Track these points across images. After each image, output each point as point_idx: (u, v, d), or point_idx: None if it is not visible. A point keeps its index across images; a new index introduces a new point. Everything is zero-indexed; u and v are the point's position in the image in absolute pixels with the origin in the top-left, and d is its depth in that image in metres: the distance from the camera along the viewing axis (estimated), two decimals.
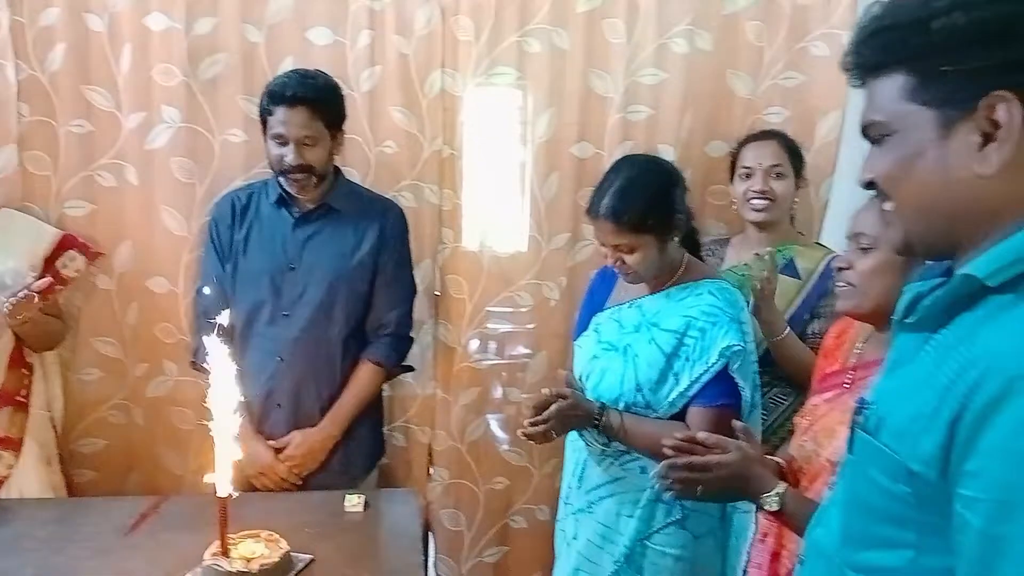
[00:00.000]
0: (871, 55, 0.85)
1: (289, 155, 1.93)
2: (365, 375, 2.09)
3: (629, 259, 1.68)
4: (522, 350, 2.48)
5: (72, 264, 2.20)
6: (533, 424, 1.67)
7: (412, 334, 2.22)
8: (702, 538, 1.69)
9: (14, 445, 2.04)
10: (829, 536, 0.93)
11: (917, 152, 0.82)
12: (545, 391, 1.69)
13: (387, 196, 2.23)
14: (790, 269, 2.02)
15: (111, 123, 2.25)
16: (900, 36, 0.81)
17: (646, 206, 1.65)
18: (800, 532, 1.20)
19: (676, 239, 1.72)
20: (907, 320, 0.88)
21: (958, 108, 0.78)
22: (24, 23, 2.19)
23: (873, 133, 0.87)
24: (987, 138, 0.77)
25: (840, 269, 1.44)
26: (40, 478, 2.09)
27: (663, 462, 1.38)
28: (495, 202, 2.40)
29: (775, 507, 1.31)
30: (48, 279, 1.96)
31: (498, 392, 2.50)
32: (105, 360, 2.36)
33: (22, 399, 2.08)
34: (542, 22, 2.28)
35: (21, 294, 1.83)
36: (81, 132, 2.25)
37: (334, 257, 2.02)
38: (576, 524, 1.81)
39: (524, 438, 1.72)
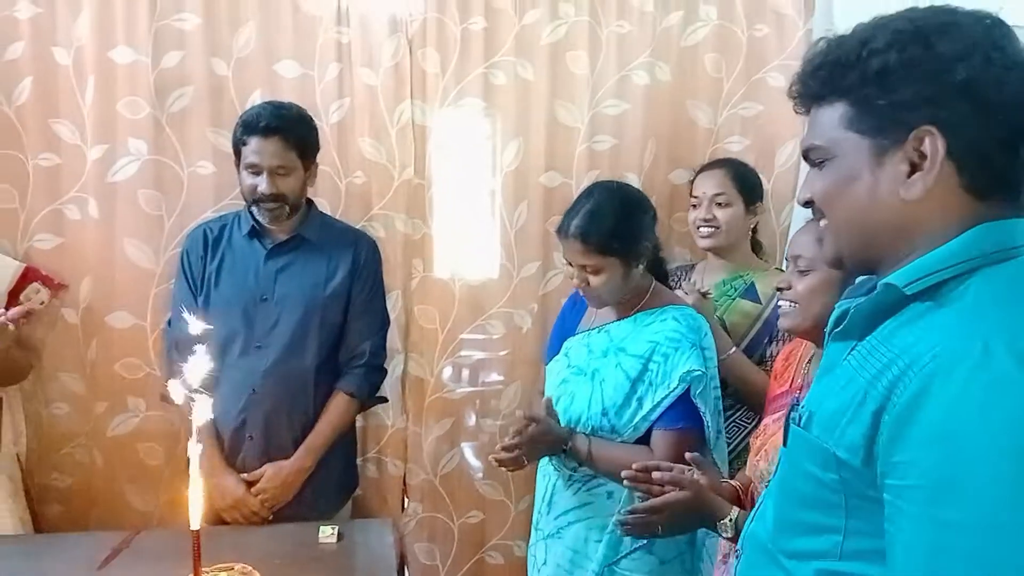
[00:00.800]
0: (815, 85, 0.92)
1: (263, 184, 1.94)
2: (339, 406, 2.09)
3: (594, 280, 1.72)
4: (495, 378, 2.50)
5: (36, 296, 2.17)
6: (505, 449, 1.69)
7: (385, 365, 2.23)
8: (669, 563, 1.71)
9: None
10: (764, 527, 1.00)
11: (852, 176, 0.89)
12: (519, 413, 1.72)
13: (358, 227, 2.25)
14: (751, 293, 2.08)
15: (77, 156, 2.24)
16: (841, 70, 0.88)
17: (613, 230, 1.70)
18: None
19: (641, 266, 1.76)
20: (836, 330, 0.95)
21: (890, 138, 0.86)
22: None
23: (814, 156, 0.94)
24: (914, 167, 0.85)
25: (780, 290, 1.52)
26: (10, 512, 2.05)
27: (625, 509, 1.45)
28: (465, 231, 2.43)
29: (730, 533, 1.37)
30: (23, 307, 1.95)
31: (472, 420, 2.51)
32: (71, 396, 2.33)
33: None
34: (507, 54, 2.33)
35: None
36: (48, 165, 2.24)
37: (306, 288, 2.03)
38: (546, 549, 1.82)
39: (496, 464, 1.74)
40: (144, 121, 2.24)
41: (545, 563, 1.81)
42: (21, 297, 2.12)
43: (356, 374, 2.10)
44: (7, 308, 1.99)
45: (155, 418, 2.34)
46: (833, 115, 0.90)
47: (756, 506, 1.08)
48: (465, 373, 2.49)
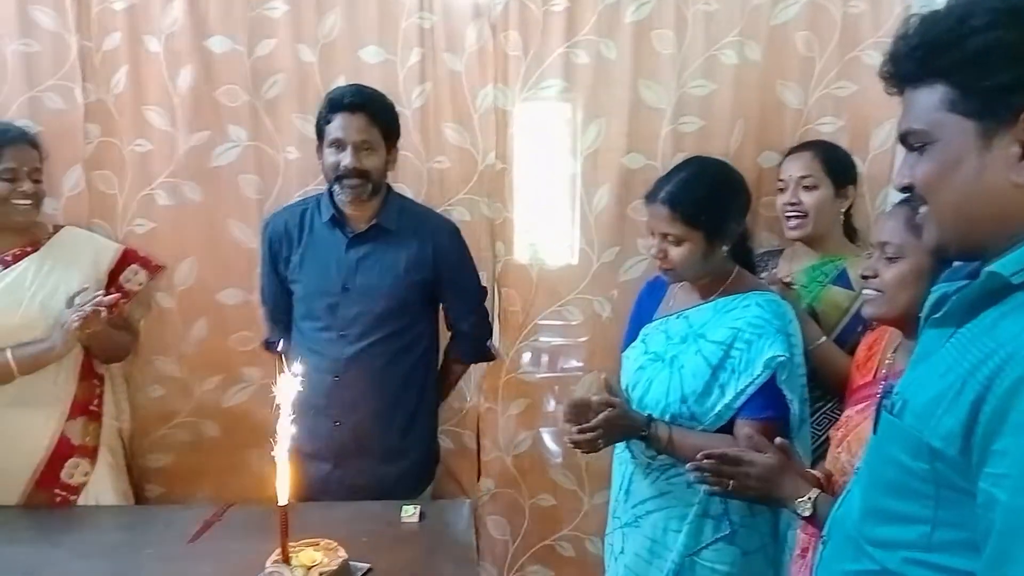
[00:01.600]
0: (911, 66, 0.89)
1: (347, 159, 1.96)
2: (455, 370, 2.29)
3: (673, 252, 1.69)
4: (573, 364, 2.49)
5: (135, 278, 2.26)
6: (581, 431, 1.68)
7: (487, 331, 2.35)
8: (752, 555, 1.68)
9: (90, 453, 2.12)
10: (850, 514, 0.98)
11: (957, 160, 0.86)
12: (595, 398, 1.70)
13: (439, 211, 2.27)
14: (842, 280, 2.00)
15: (167, 142, 2.33)
16: (939, 50, 0.85)
17: (703, 201, 1.67)
18: None
19: (725, 247, 1.72)
20: (935, 316, 0.92)
21: (998, 120, 0.83)
22: (91, 47, 2.28)
23: (913, 140, 0.91)
24: None
25: (865, 277, 1.47)
26: (113, 486, 2.17)
27: (702, 453, 1.44)
28: (545, 215, 2.42)
29: (808, 512, 1.33)
30: (116, 295, 2.04)
31: (550, 406, 2.52)
32: (166, 379, 2.44)
33: (95, 409, 2.16)
34: (590, 33, 2.30)
35: (88, 307, 1.91)
36: (143, 151, 2.34)
37: (387, 278, 2.06)
38: (623, 538, 1.81)
39: (571, 445, 1.72)
40: (242, 108, 2.31)
41: (623, 552, 1.80)
42: (121, 278, 2.22)
43: (464, 346, 2.25)
44: (108, 289, 2.10)
45: (269, 386, 2.43)
46: (932, 97, 0.87)
47: (843, 493, 1.06)
48: (543, 358, 2.49)
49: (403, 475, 2.13)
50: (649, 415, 1.71)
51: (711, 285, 1.76)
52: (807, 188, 2.03)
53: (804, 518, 1.36)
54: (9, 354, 1.93)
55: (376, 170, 2.01)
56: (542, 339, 2.47)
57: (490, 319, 2.34)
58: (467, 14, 2.30)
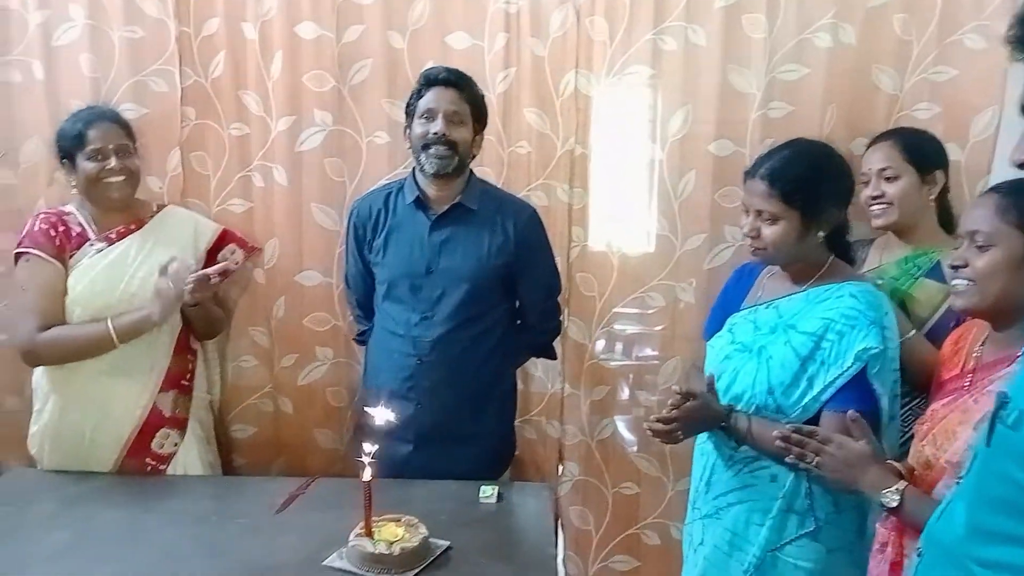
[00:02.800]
0: None
1: (437, 126, 1.99)
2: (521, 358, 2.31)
3: (766, 231, 1.65)
4: (652, 352, 2.47)
5: (232, 257, 2.33)
6: (660, 421, 1.67)
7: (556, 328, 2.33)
8: (836, 552, 1.63)
9: (180, 424, 2.21)
10: (952, 529, 0.92)
11: None
12: (675, 388, 1.68)
13: (519, 196, 2.28)
14: (936, 272, 1.93)
15: (262, 126, 2.40)
16: None
17: (803, 181, 1.63)
18: (920, 532, 1.18)
19: (822, 233, 1.67)
20: None
21: None
22: (190, 33, 2.37)
23: None
24: None
25: (955, 267, 1.41)
26: (201, 457, 2.25)
27: (788, 422, 1.46)
28: (627, 201, 2.40)
29: (894, 503, 1.32)
30: (224, 264, 2.13)
31: (625, 393, 2.51)
32: (258, 350, 2.53)
33: (186, 383, 2.24)
34: (678, 19, 2.27)
35: (201, 273, 1.99)
36: (239, 135, 2.42)
37: (470, 260, 2.07)
38: (703, 529, 1.78)
39: (650, 433, 1.71)
40: (329, 93, 2.36)
41: (702, 543, 1.78)
42: (218, 257, 2.30)
43: (524, 335, 2.23)
44: (206, 267, 2.18)
45: (342, 365, 2.52)
46: None
47: (943, 505, 1.01)
48: (619, 345, 2.48)
49: (480, 459, 2.15)
50: (730, 405, 1.68)
51: (803, 273, 1.72)
52: (888, 179, 1.97)
53: (889, 510, 1.33)
54: (109, 323, 2.02)
55: (463, 143, 2.03)
56: (617, 326, 2.46)
57: (561, 317, 2.32)
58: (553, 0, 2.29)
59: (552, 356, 2.36)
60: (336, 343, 2.50)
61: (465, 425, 2.13)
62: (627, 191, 2.40)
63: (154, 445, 2.15)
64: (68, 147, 2.07)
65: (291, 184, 2.42)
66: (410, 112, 2.06)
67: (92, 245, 2.10)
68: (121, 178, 2.08)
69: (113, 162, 2.06)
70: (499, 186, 2.29)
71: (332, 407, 2.55)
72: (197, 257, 2.22)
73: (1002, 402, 0.88)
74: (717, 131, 2.31)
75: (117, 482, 2.06)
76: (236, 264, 2.31)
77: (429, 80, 2.03)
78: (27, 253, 2.06)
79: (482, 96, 2.10)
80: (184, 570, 1.65)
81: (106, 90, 2.35)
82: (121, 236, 2.13)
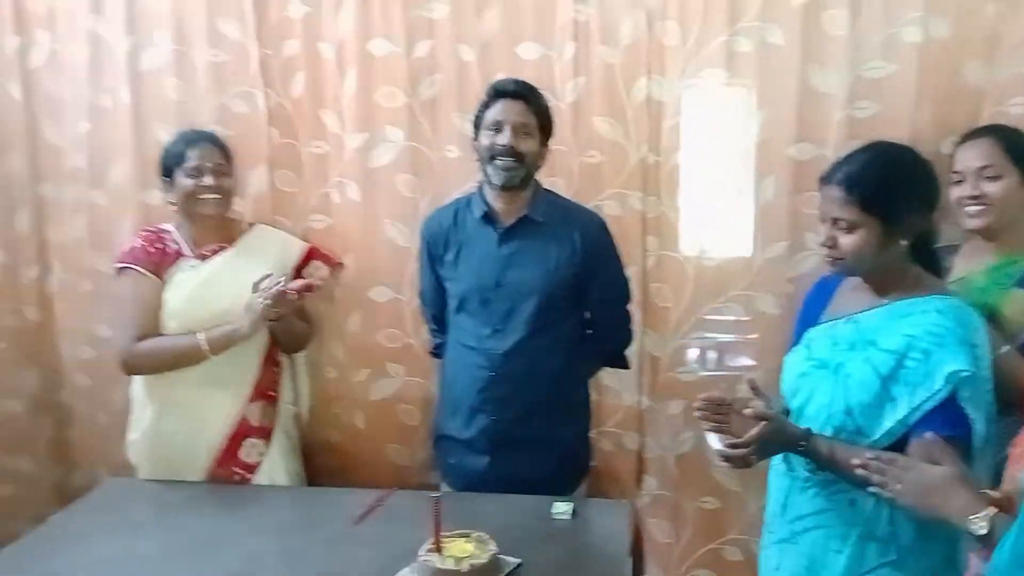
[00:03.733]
0: None
1: (504, 137, 2.00)
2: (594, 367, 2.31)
3: (843, 240, 1.57)
4: (737, 362, 2.41)
5: (317, 273, 2.42)
6: (733, 447, 1.60)
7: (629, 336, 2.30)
8: None
9: (266, 434, 2.28)
10: (1001, 555, 0.88)
11: None
12: (747, 411, 1.59)
13: (589, 206, 2.25)
14: None
15: (339, 144, 2.45)
16: None
17: (882, 186, 1.54)
18: None
19: (904, 242, 1.58)
20: None
21: None
22: (271, 55, 2.44)
23: None
24: None
25: None
26: (286, 467, 2.32)
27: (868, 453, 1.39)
28: (703, 208, 2.34)
29: (983, 531, 1.22)
30: (302, 281, 2.20)
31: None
32: (337, 362, 2.58)
33: (273, 394, 2.32)
34: (753, 20, 2.20)
35: (277, 289, 2.07)
36: (319, 152, 2.48)
37: (538, 273, 2.07)
38: (780, 554, 1.71)
39: (722, 461, 1.63)
40: (400, 110, 2.39)
41: (778, 568, 1.71)
42: (303, 273, 2.38)
43: (594, 345, 2.22)
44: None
45: (413, 384, 2.54)
46: None
47: (1009, 531, 0.96)
48: (703, 355, 2.42)
49: (556, 468, 2.15)
50: (808, 429, 1.60)
51: (885, 285, 1.62)
52: (989, 179, 1.85)
53: (978, 538, 1.25)
54: (202, 336, 2.12)
55: (530, 154, 2.03)
56: (698, 336, 2.40)
57: (632, 326, 2.29)
58: (623, 5, 2.26)
59: (625, 366, 2.32)
60: (407, 360, 2.52)
61: (540, 435, 2.12)
62: (704, 199, 2.34)
63: (242, 454, 2.24)
64: (169, 164, 2.19)
65: (364, 200, 2.46)
66: (477, 124, 2.07)
67: (187, 261, 2.20)
68: (216, 196, 2.18)
69: (209, 180, 2.17)
70: (568, 196, 2.27)
71: (404, 424, 2.57)
72: (285, 273, 2.28)
73: None
74: (797, 134, 2.23)
75: (207, 491, 2.15)
76: (321, 280, 2.38)
77: (497, 92, 2.04)
78: (127, 268, 2.18)
79: (548, 107, 2.10)
80: None
81: (191, 112, 2.45)
82: (214, 253, 2.23)
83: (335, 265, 2.47)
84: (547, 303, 2.07)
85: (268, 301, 2.06)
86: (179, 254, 2.21)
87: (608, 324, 2.22)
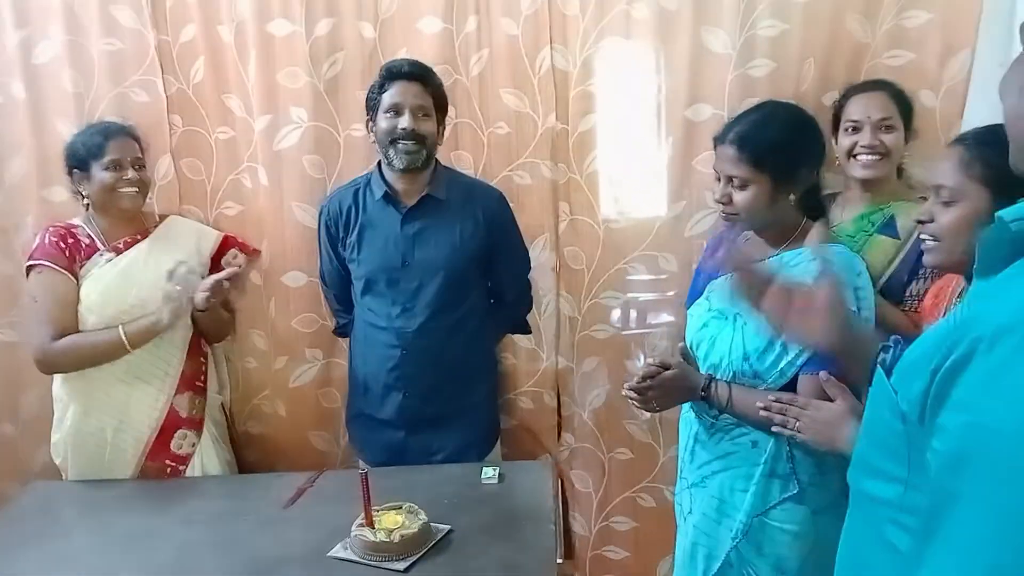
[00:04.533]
0: None
1: (405, 121, 2.02)
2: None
3: (737, 196, 1.66)
4: (640, 322, 2.49)
5: (235, 261, 2.40)
6: (634, 390, 1.70)
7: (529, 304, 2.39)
8: (822, 513, 1.63)
9: (196, 425, 2.28)
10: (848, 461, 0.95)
11: None
12: (650, 360, 1.71)
13: (496, 178, 2.30)
14: (890, 228, 1.92)
15: (246, 128, 2.43)
16: None
17: (773, 144, 1.63)
18: None
19: (793, 196, 1.67)
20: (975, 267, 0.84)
21: None
22: (169, 41, 2.39)
23: None
24: None
25: (921, 223, 1.41)
26: (218, 455, 2.32)
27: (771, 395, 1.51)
28: (608, 173, 2.40)
29: None
30: (232, 269, 2.21)
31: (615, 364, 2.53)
32: (258, 352, 2.57)
33: (200, 384, 2.32)
34: None
35: (213, 279, 2.09)
36: (225, 138, 2.45)
37: (444, 251, 2.11)
38: (691, 498, 1.81)
39: (628, 400, 1.75)
40: (303, 90, 2.37)
41: (691, 512, 1.81)
42: (222, 262, 2.36)
43: (510, 316, 2.30)
44: (211, 273, 2.26)
45: (334, 365, 2.55)
46: None
47: None
48: (612, 315, 2.49)
49: (470, 437, 2.22)
50: (710, 375, 1.70)
51: (777, 237, 1.72)
52: (887, 129, 1.95)
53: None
54: (120, 329, 2.10)
55: (430, 135, 2.06)
56: (606, 295, 2.47)
57: (531, 293, 2.37)
58: None
59: (527, 330, 2.41)
60: (324, 344, 2.53)
61: (453, 406, 2.19)
62: (610, 163, 2.40)
63: (173, 446, 2.23)
64: (84, 156, 2.13)
65: (272, 184, 2.43)
66: (372, 106, 2.08)
67: (102, 255, 2.16)
68: (135, 190, 2.15)
69: (130, 173, 2.13)
70: (478, 169, 2.30)
71: (325, 408, 2.58)
72: (202, 263, 2.29)
73: (883, 346, 0.92)
74: (691, 95, 2.29)
75: (134, 488, 2.14)
76: (239, 267, 2.37)
77: (392, 73, 2.04)
78: (39, 265, 2.12)
79: (442, 85, 2.12)
80: (198, 567, 1.72)
81: (89, 104, 2.39)
82: (128, 246, 2.20)
83: (251, 252, 2.46)
84: (454, 279, 2.11)
85: (206, 292, 2.07)
86: (92, 248, 2.17)
87: (513, 294, 2.29)
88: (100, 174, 2.12)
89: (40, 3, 2.36)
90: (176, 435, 2.24)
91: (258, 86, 2.38)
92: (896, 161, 1.96)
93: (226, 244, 2.40)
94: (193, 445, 2.26)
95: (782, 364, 1.64)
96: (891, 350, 0.91)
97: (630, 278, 2.45)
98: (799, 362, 1.62)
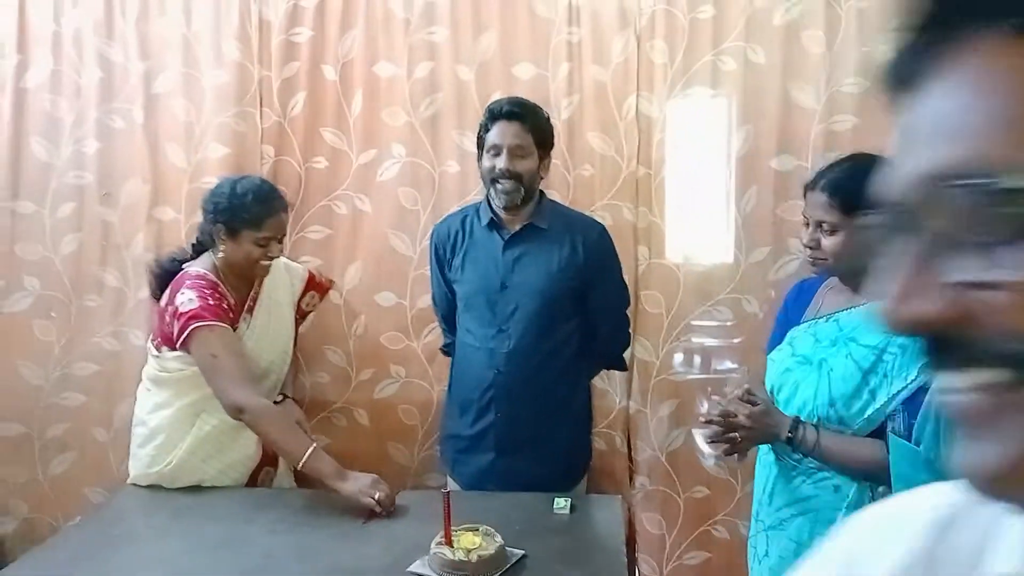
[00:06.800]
0: None
1: (501, 162, 2.10)
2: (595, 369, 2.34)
3: (827, 242, 1.69)
4: (724, 365, 2.52)
5: (312, 301, 2.50)
6: (721, 415, 1.73)
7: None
8: None
9: (276, 460, 2.30)
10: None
11: None
12: (736, 392, 1.74)
13: (591, 215, 2.36)
14: None
15: (343, 159, 2.56)
16: None
17: (862, 191, 1.65)
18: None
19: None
20: None
21: None
22: (271, 76, 2.54)
23: None
24: None
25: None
26: (287, 470, 2.34)
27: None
28: (691, 218, 2.47)
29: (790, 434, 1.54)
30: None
31: (703, 407, 2.53)
32: (332, 367, 2.66)
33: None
34: (737, 39, 2.34)
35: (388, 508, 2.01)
36: (320, 168, 2.58)
37: (541, 275, 2.17)
38: (767, 541, 1.80)
39: (712, 458, 1.78)
40: (403, 128, 2.50)
41: (767, 555, 1.80)
42: (302, 304, 2.45)
43: (597, 346, 2.28)
44: (298, 307, 2.39)
45: (413, 385, 2.63)
46: None
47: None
48: (693, 359, 2.53)
49: (558, 466, 2.23)
50: (796, 417, 1.72)
51: (862, 285, 1.75)
52: None
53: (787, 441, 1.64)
54: (311, 448, 2.04)
55: (528, 173, 2.12)
56: (690, 340, 2.52)
57: (630, 330, 2.39)
58: (614, 26, 2.39)
59: (624, 368, 2.43)
60: (408, 363, 2.62)
61: (543, 433, 2.21)
62: (692, 209, 2.46)
63: (259, 483, 2.28)
64: (241, 222, 2.11)
65: (372, 212, 2.56)
66: (480, 145, 2.17)
67: (244, 320, 2.23)
68: (271, 263, 2.21)
69: (275, 250, 2.18)
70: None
71: (404, 424, 2.65)
72: (292, 305, 2.39)
73: (890, 415, 0.97)
74: (779, 147, 2.35)
75: (222, 496, 2.18)
76: (314, 308, 2.50)
77: (493, 114, 2.12)
78: (214, 325, 2.07)
79: (546, 120, 2.17)
80: (283, 573, 1.78)
81: (198, 132, 2.55)
82: (252, 304, 2.26)
83: (324, 293, 2.54)
84: (549, 305, 2.17)
85: (378, 509, 2.00)
86: (233, 308, 2.18)
87: (608, 327, 2.31)
88: (249, 246, 2.12)
89: (163, 36, 2.55)
90: (262, 473, 2.28)
91: (360, 122, 2.51)
92: None
93: (309, 285, 2.46)
94: (272, 479, 2.31)
95: (869, 412, 1.64)
96: (897, 417, 1.00)
97: (708, 323, 2.49)
98: (888, 410, 1.63)
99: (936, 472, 0.84)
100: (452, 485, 2.33)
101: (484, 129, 2.14)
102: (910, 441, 1.04)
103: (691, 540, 2.62)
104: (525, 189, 2.13)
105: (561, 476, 2.23)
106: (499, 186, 2.12)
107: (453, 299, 2.31)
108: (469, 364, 2.25)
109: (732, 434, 1.71)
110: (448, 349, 2.42)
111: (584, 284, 2.20)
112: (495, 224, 2.21)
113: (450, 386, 2.38)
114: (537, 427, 2.19)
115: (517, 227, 2.20)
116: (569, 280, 2.18)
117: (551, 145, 2.19)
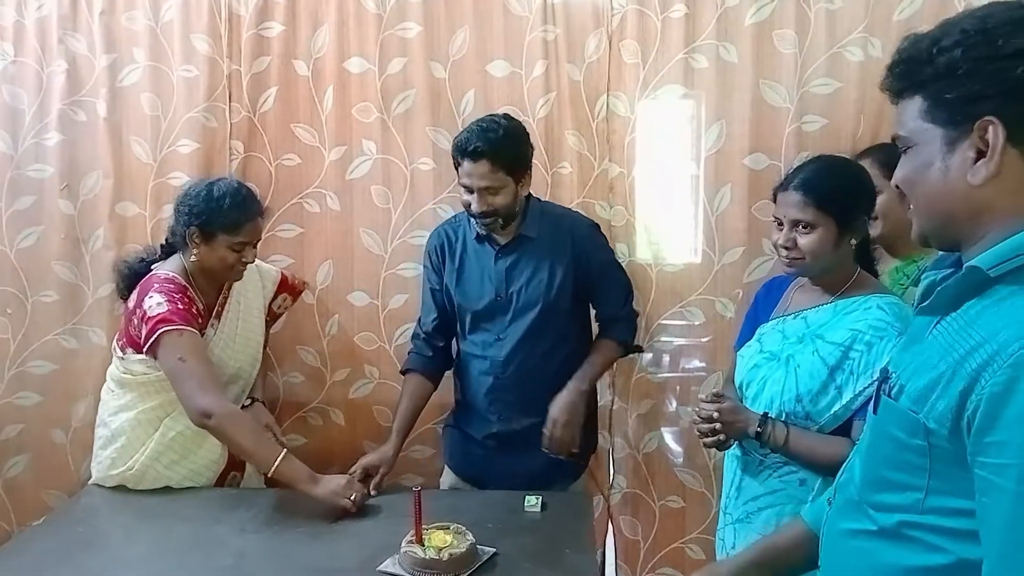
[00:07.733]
0: (896, 80, 1.01)
1: (474, 204, 2.09)
2: (608, 347, 2.28)
3: (803, 240, 1.70)
4: (696, 364, 2.53)
5: (284, 303, 2.48)
6: (703, 419, 1.77)
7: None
8: None
9: (242, 466, 2.28)
10: (852, 480, 1.11)
11: (928, 162, 0.99)
12: (702, 395, 1.80)
13: (579, 212, 2.35)
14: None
15: (316, 156, 2.53)
16: (916, 66, 0.97)
17: (838, 189, 1.70)
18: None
19: (854, 242, 1.72)
20: (923, 304, 1.05)
21: (960, 129, 0.94)
22: (240, 71, 2.50)
23: (900, 144, 1.04)
24: (980, 155, 0.93)
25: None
26: (253, 473, 2.30)
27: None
28: (665, 217, 2.47)
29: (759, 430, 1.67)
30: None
31: (671, 407, 2.57)
32: (306, 367, 2.64)
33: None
34: (709, 38, 2.34)
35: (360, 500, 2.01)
36: (291, 165, 2.54)
37: (534, 284, 2.18)
38: (735, 534, 1.83)
39: (699, 435, 1.80)
40: (374, 124, 2.48)
41: (734, 547, 1.82)
42: (273, 305, 2.43)
43: (620, 327, 2.29)
44: (269, 309, 2.37)
45: (387, 386, 2.61)
46: (913, 107, 0.98)
47: (846, 462, 1.19)
48: (665, 359, 2.53)
49: (556, 464, 2.21)
50: (765, 413, 1.74)
51: (832, 285, 1.76)
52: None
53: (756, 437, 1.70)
54: (281, 455, 2.02)
55: (504, 206, 2.10)
56: (662, 339, 2.52)
57: (636, 320, 2.36)
58: (587, 26, 2.38)
59: (640, 350, 2.43)
60: (381, 363, 2.60)
61: (541, 431, 2.17)
62: (665, 207, 2.46)
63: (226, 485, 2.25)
64: (216, 226, 2.08)
65: (342, 210, 2.53)
66: (457, 167, 2.12)
67: (212, 326, 2.20)
68: (245, 268, 2.18)
69: (250, 256, 2.16)
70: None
71: (380, 425, 2.62)
72: (262, 307, 2.36)
73: (884, 376, 1.08)
74: (751, 145, 2.37)
75: (190, 496, 2.15)
76: (285, 310, 2.49)
77: (460, 150, 2.07)
78: (181, 329, 2.03)
79: (519, 146, 2.10)
80: (254, 574, 1.76)
81: (165, 127, 2.51)
82: (220, 308, 2.24)
83: (296, 295, 2.51)
84: (546, 311, 2.18)
85: (353, 509, 1.99)
86: (201, 313, 2.16)
87: (625, 312, 2.30)
88: (224, 251, 2.10)
89: (130, 30, 2.49)
90: (228, 478, 2.25)
91: (332, 118, 2.49)
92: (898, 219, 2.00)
93: (281, 287, 2.43)
94: (238, 483, 2.28)
95: (836, 408, 1.67)
96: (888, 380, 1.06)
97: (685, 322, 2.49)
98: (854, 407, 1.65)
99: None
100: (448, 474, 2.36)
101: (455, 162, 2.12)
102: None
103: (665, 554, 2.63)
104: (504, 218, 2.13)
105: (559, 473, 2.24)
106: (477, 221, 2.14)
107: (445, 308, 2.31)
108: (471, 372, 2.28)
109: (719, 435, 1.76)
110: (411, 367, 2.33)
111: (581, 282, 2.21)
112: (484, 236, 2.22)
113: (455, 392, 2.39)
114: (537, 426, 2.17)
115: (507, 239, 2.21)
116: (565, 282, 2.19)
117: (527, 166, 2.14)
